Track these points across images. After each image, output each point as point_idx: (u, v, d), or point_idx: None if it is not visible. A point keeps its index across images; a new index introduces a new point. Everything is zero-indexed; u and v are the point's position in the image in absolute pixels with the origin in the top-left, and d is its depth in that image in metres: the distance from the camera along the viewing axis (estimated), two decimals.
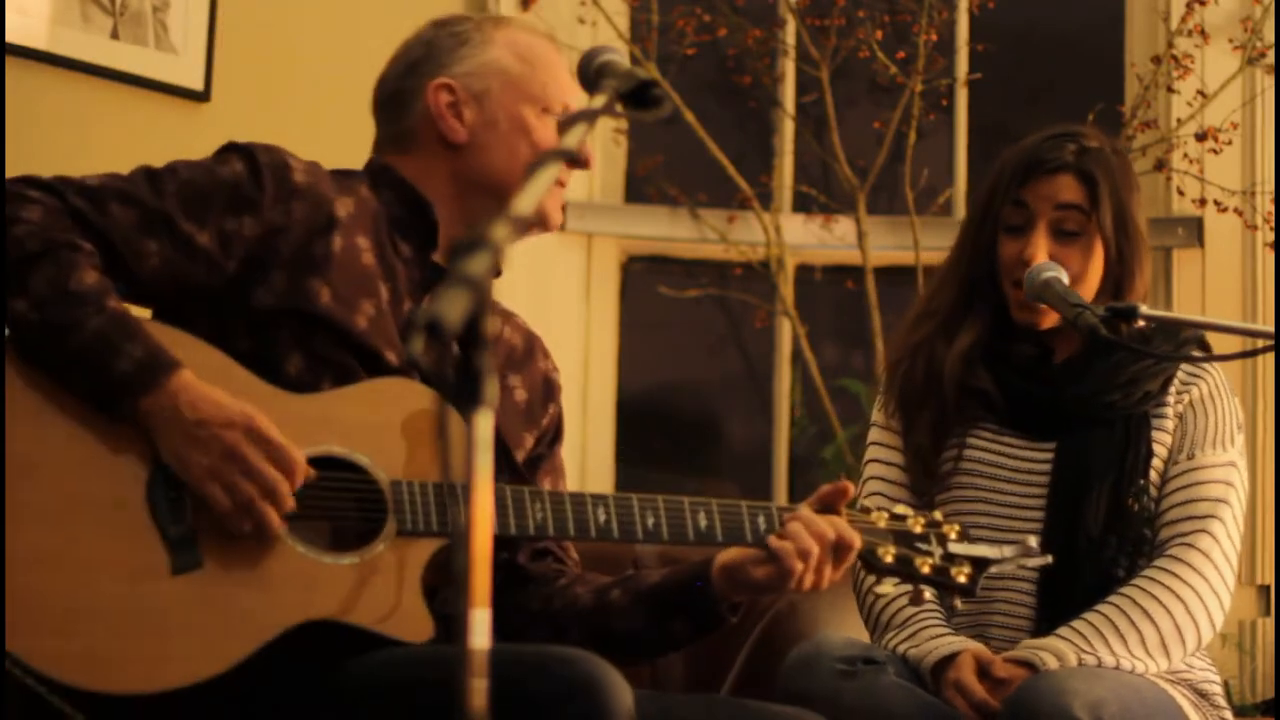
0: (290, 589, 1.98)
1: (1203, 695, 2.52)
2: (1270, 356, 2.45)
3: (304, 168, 2.18)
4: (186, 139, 3.65)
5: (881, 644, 2.52)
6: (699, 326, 4.94)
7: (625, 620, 2.23)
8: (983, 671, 2.42)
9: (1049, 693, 2.28)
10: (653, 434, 4.87)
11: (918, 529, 2.23)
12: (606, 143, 4.74)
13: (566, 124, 1.60)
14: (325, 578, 2.00)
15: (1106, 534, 2.50)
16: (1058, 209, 2.57)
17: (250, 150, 2.17)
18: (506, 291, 4.42)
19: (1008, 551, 2.26)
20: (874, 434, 2.71)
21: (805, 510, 2.16)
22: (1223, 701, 2.56)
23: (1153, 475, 2.55)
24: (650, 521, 2.11)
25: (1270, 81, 4.48)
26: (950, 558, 2.23)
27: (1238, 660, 4.42)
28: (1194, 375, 2.60)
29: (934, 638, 2.47)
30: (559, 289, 4.61)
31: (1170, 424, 2.58)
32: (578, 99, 2.26)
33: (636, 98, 1.76)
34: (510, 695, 1.26)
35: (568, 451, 2.50)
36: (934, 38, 4.54)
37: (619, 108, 1.76)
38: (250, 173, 2.14)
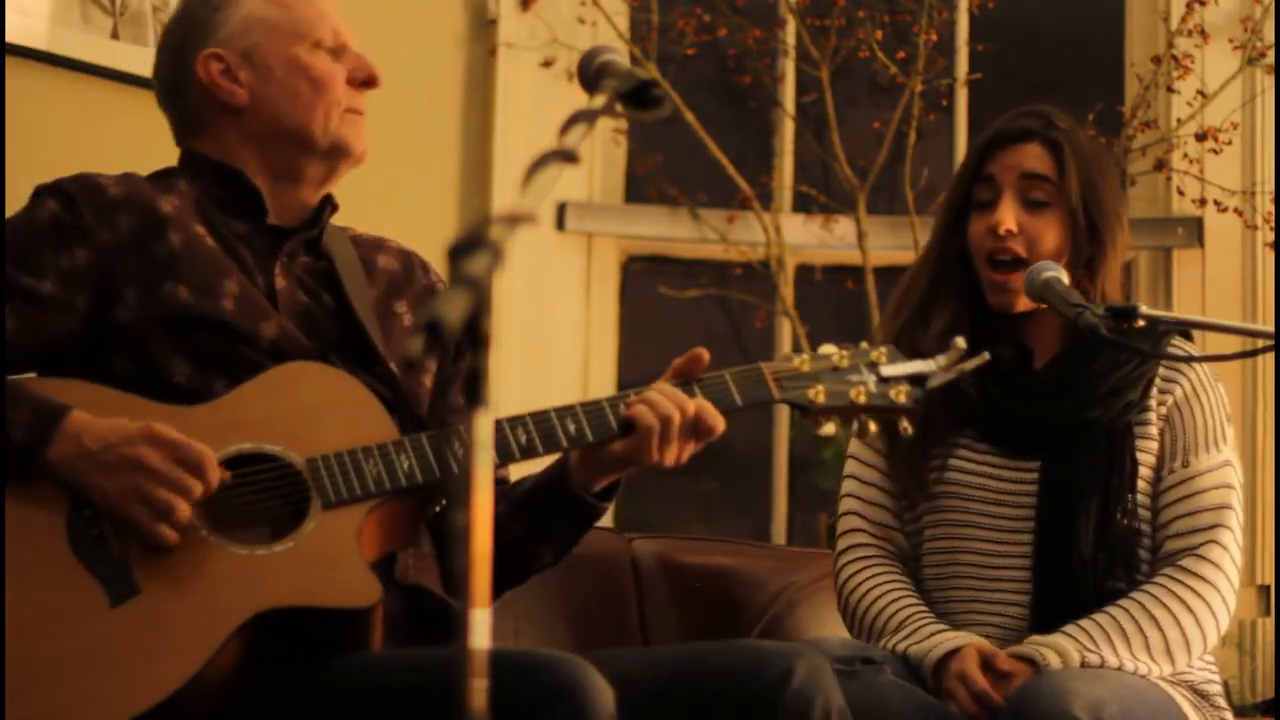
0: (231, 589, 1.97)
1: (1203, 696, 2.52)
2: (1270, 356, 2.44)
3: (116, 181, 2.18)
4: None
5: (879, 647, 2.50)
6: (699, 326, 4.94)
7: (509, 532, 2.21)
8: (986, 665, 2.42)
9: (1049, 693, 2.28)
10: None
11: (844, 362, 2.18)
12: (606, 143, 4.74)
13: (567, 123, 1.59)
14: (263, 569, 1.99)
15: (1098, 553, 2.49)
16: (1024, 178, 2.54)
17: (58, 185, 2.16)
18: (507, 292, 4.42)
19: (941, 360, 2.20)
20: (852, 447, 2.69)
21: (662, 384, 2.13)
22: (1223, 702, 2.56)
23: (1141, 485, 2.53)
24: (523, 438, 2.10)
25: (1270, 81, 4.49)
26: (885, 381, 2.18)
27: (1238, 660, 4.43)
28: (1174, 373, 2.57)
29: (935, 634, 2.46)
30: (559, 289, 4.62)
31: (1155, 429, 2.54)
32: (343, 24, 2.27)
33: (636, 98, 1.76)
34: (492, 699, 1.26)
35: None
36: (934, 38, 4.54)
37: (619, 108, 1.76)
38: (64, 206, 2.13)
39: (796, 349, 2.23)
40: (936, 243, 2.64)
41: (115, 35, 3.59)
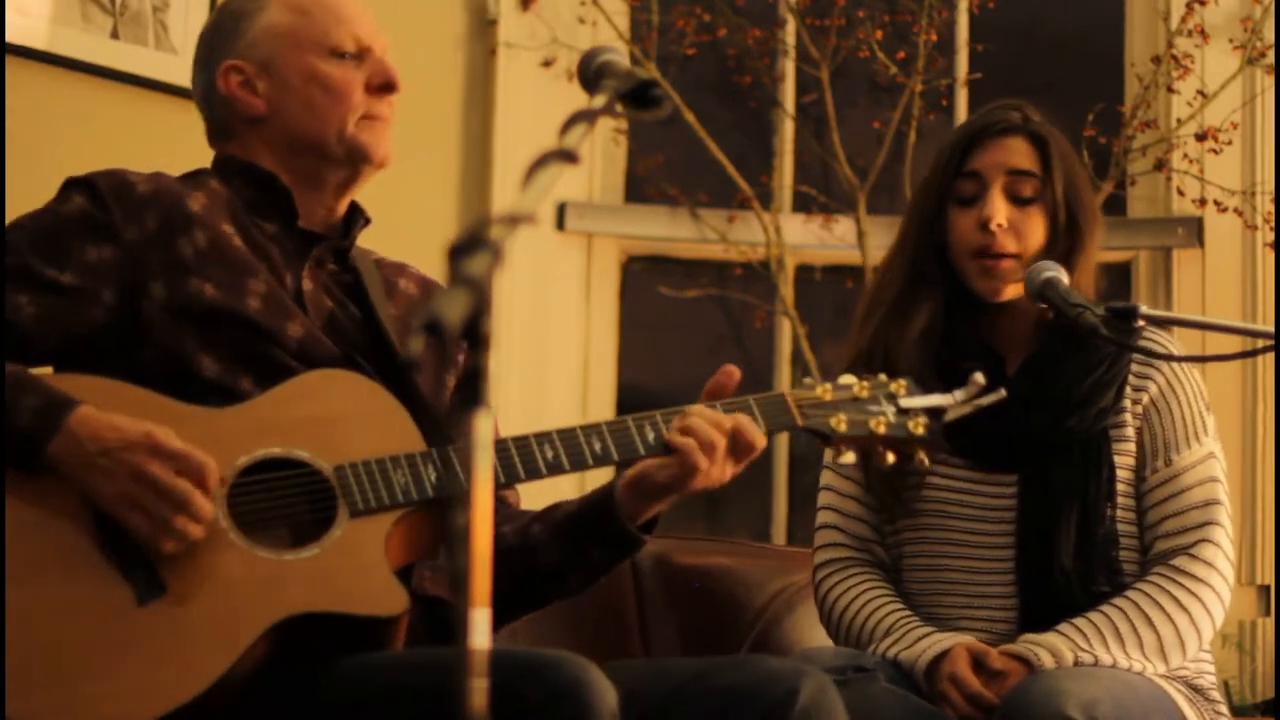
0: (257, 593, 1.97)
1: (1198, 691, 2.52)
2: (1270, 356, 2.43)
3: (146, 179, 2.18)
4: (186, 139, 3.64)
5: (868, 653, 2.50)
6: (699, 326, 4.94)
7: (546, 554, 2.22)
8: (978, 664, 2.41)
9: (1043, 693, 2.27)
10: None
11: (864, 393, 2.21)
12: (606, 143, 4.74)
13: (567, 123, 1.59)
14: (290, 574, 1.99)
15: (1078, 562, 2.48)
16: (1010, 174, 2.53)
17: (88, 180, 2.16)
18: (507, 291, 4.42)
19: (959, 395, 2.23)
20: (828, 462, 2.68)
21: (699, 407, 2.14)
22: (1218, 696, 2.55)
23: (1122, 487, 2.52)
24: (550, 454, 2.11)
25: (1270, 81, 4.49)
26: (903, 412, 2.21)
27: (1238, 660, 4.43)
28: (1147, 369, 2.55)
29: (924, 637, 2.46)
30: (559, 289, 4.62)
31: (1131, 430, 2.53)
32: (367, 29, 2.26)
33: (636, 98, 1.76)
34: (494, 699, 1.26)
35: None
36: (934, 38, 4.54)
37: (619, 108, 1.76)
38: (92, 201, 2.14)
39: (806, 374, 2.23)
40: (910, 240, 2.60)
41: (115, 35, 3.59)
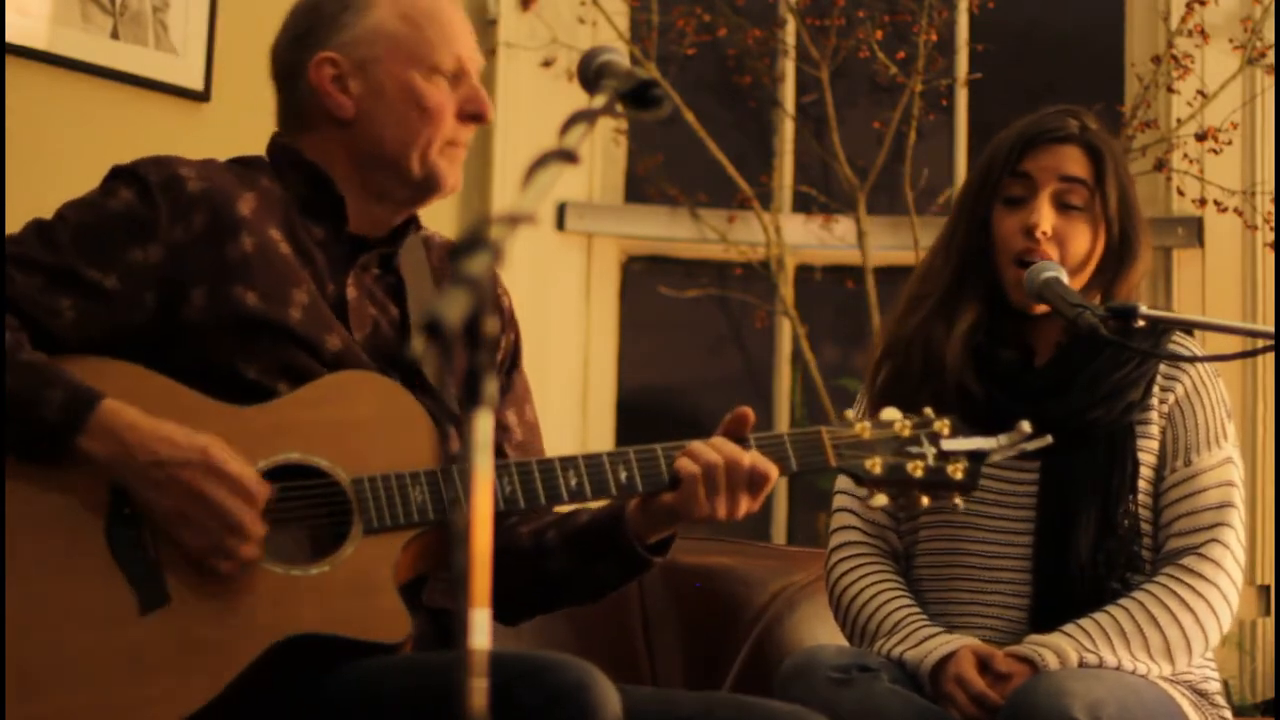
0: (260, 609, 1.96)
1: (1202, 694, 2.52)
2: (1270, 356, 2.44)
3: (198, 173, 2.12)
4: (186, 139, 3.65)
5: (873, 650, 2.50)
6: (699, 326, 4.93)
7: (557, 561, 2.19)
8: (983, 666, 2.41)
9: (1047, 694, 2.27)
10: (652, 434, 4.86)
11: (906, 433, 2.15)
12: (606, 143, 4.74)
13: (567, 123, 1.59)
14: (294, 592, 1.97)
15: (1097, 555, 2.48)
16: (1062, 180, 2.52)
17: (135, 171, 2.11)
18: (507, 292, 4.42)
19: (1003, 440, 2.18)
20: None
21: (716, 439, 2.10)
22: (1222, 700, 2.56)
23: (1142, 484, 2.52)
24: (574, 482, 2.07)
25: (1270, 81, 4.48)
26: (944, 455, 2.15)
27: (1238, 660, 4.42)
28: (1175, 371, 2.55)
29: (930, 637, 2.46)
30: (559, 289, 4.61)
31: (1156, 429, 2.53)
32: (470, 50, 2.20)
33: (636, 98, 1.76)
34: (497, 702, 1.26)
35: (568, 448, 2.48)
36: (934, 38, 4.54)
37: (619, 108, 1.76)
38: (140, 197, 2.09)
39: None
40: (960, 236, 2.59)
41: (115, 35, 3.59)
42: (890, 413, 2.17)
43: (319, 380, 2.07)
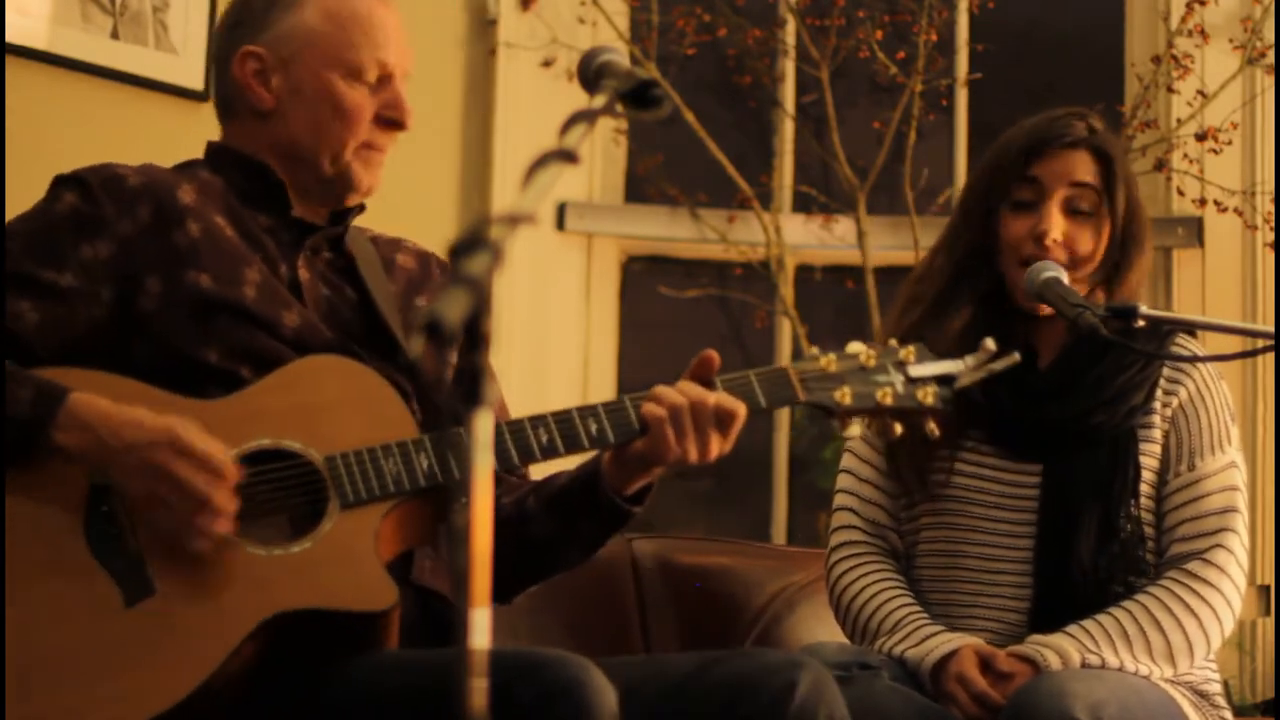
0: (246, 590, 1.96)
1: (1203, 696, 2.51)
2: (1270, 356, 2.44)
3: (136, 171, 2.16)
4: (186, 139, 3.64)
5: (874, 648, 2.50)
6: (699, 326, 4.93)
7: (540, 525, 2.20)
8: (985, 665, 2.41)
9: (1049, 694, 2.27)
10: None
11: (871, 361, 2.16)
12: (606, 143, 4.74)
13: (567, 123, 1.59)
14: (279, 570, 1.98)
15: (1098, 559, 2.48)
16: (1072, 186, 2.51)
17: (77, 176, 2.14)
18: (507, 291, 4.42)
19: (970, 360, 2.18)
20: (850, 444, 2.67)
21: (681, 383, 2.10)
22: (1223, 701, 2.55)
23: (1144, 488, 2.52)
24: (544, 438, 2.08)
25: (1270, 81, 4.49)
26: (913, 381, 2.15)
27: (1238, 660, 4.43)
28: (1179, 374, 2.55)
29: (932, 636, 2.46)
30: (559, 289, 4.61)
31: (1158, 433, 2.53)
32: (397, 55, 2.22)
33: (636, 98, 1.76)
34: (493, 699, 1.26)
35: None
36: (934, 38, 4.54)
37: (619, 108, 1.76)
38: (83, 198, 2.12)
39: (822, 349, 2.20)
40: (960, 237, 2.59)
41: (115, 35, 3.59)
42: (855, 345, 2.18)
43: (284, 367, 2.09)
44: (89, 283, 2.09)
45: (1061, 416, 2.49)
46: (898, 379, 2.16)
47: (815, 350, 2.19)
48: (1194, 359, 2.54)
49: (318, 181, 2.23)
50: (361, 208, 2.30)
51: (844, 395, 2.14)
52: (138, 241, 2.11)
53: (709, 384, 2.11)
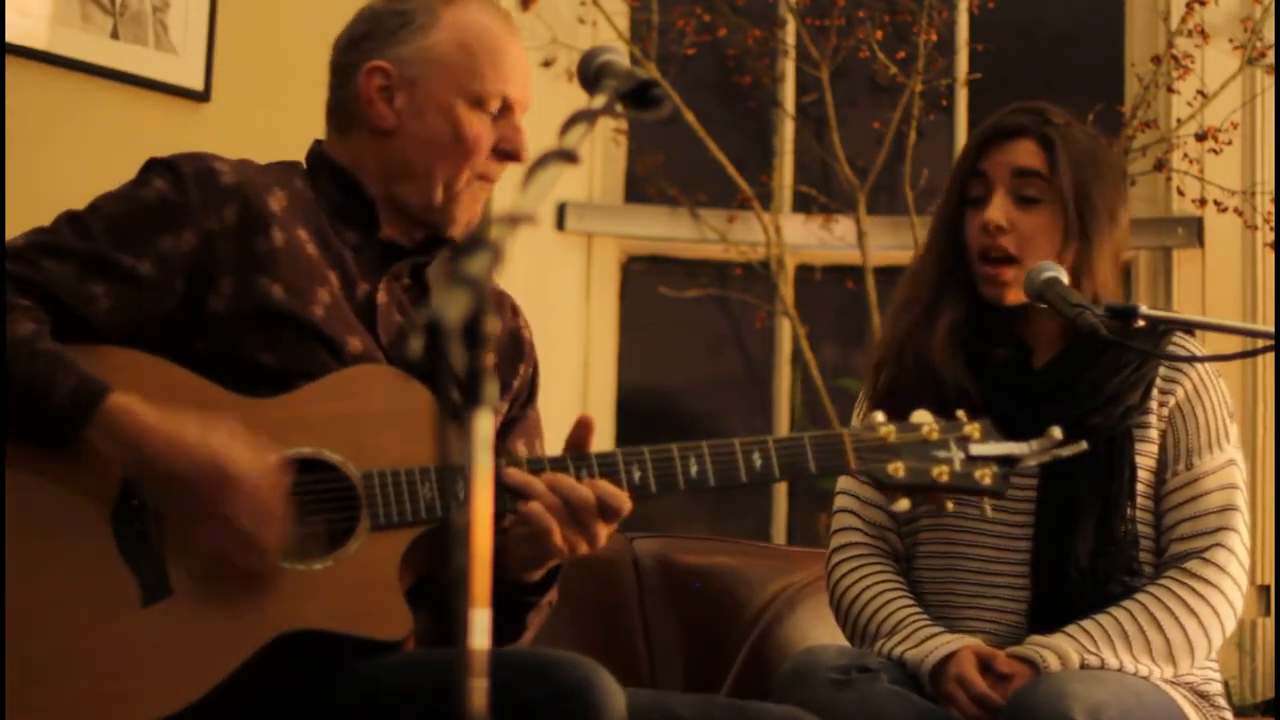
0: (262, 603, 1.95)
1: (1203, 696, 2.51)
2: (1270, 356, 2.43)
3: (231, 168, 2.15)
4: (186, 139, 3.65)
5: (874, 650, 2.50)
6: (699, 326, 4.93)
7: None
8: (985, 666, 2.41)
9: (1048, 696, 2.27)
10: (653, 434, 4.87)
11: (934, 436, 2.10)
12: (606, 143, 4.74)
13: (567, 123, 1.58)
14: (297, 586, 1.97)
15: (1095, 560, 2.48)
16: (1016, 175, 2.54)
17: (171, 163, 2.13)
18: (507, 291, 4.42)
19: (1035, 445, 2.13)
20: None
21: (550, 476, 2.04)
22: (1223, 702, 2.55)
23: (1142, 488, 2.52)
24: (695, 470, 2.06)
25: (1270, 81, 4.48)
26: (972, 460, 2.10)
27: (1238, 660, 4.42)
28: (1175, 374, 2.55)
29: (932, 637, 2.46)
30: (559, 289, 4.62)
31: (1155, 432, 2.53)
32: (520, 90, 2.22)
33: (636, 98, 1.76)
34: (503, 699, 1.26)
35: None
36: (934, 38, 4.54)
37: (619, 108, 1.76)
38: (174, 186, 2.10)
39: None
40: (936, 241, 2.63)
41: (115, 35, 3.58)
42: (920, 415, 2.13)
43: (333, 374, 2.08)
44: (165, 273, 2.08)
45: (1058, 419, 2.49)
46: (957, 456, 2.11)
47: (880, 417, 2.13)
48: (1191, 359, 2.53)
49: (424, 207, 2.21)
50: (453, 241, 2.27)
51: (897, 469, 2.09)
52: (220, 240, 2.09)
53: (583, 457, 2.06)
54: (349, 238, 2.20)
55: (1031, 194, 2.54)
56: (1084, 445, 2.20)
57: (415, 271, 2.25)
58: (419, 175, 2.20)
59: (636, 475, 2.06)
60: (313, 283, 2.12)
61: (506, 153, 2.21)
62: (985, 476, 2.10)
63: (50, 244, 2.06)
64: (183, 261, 2.08)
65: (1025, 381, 2.55)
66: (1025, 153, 2.55)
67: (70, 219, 2.10)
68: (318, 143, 2.28)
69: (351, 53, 2.24)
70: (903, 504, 2.12)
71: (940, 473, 2.10)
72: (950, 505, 2.16)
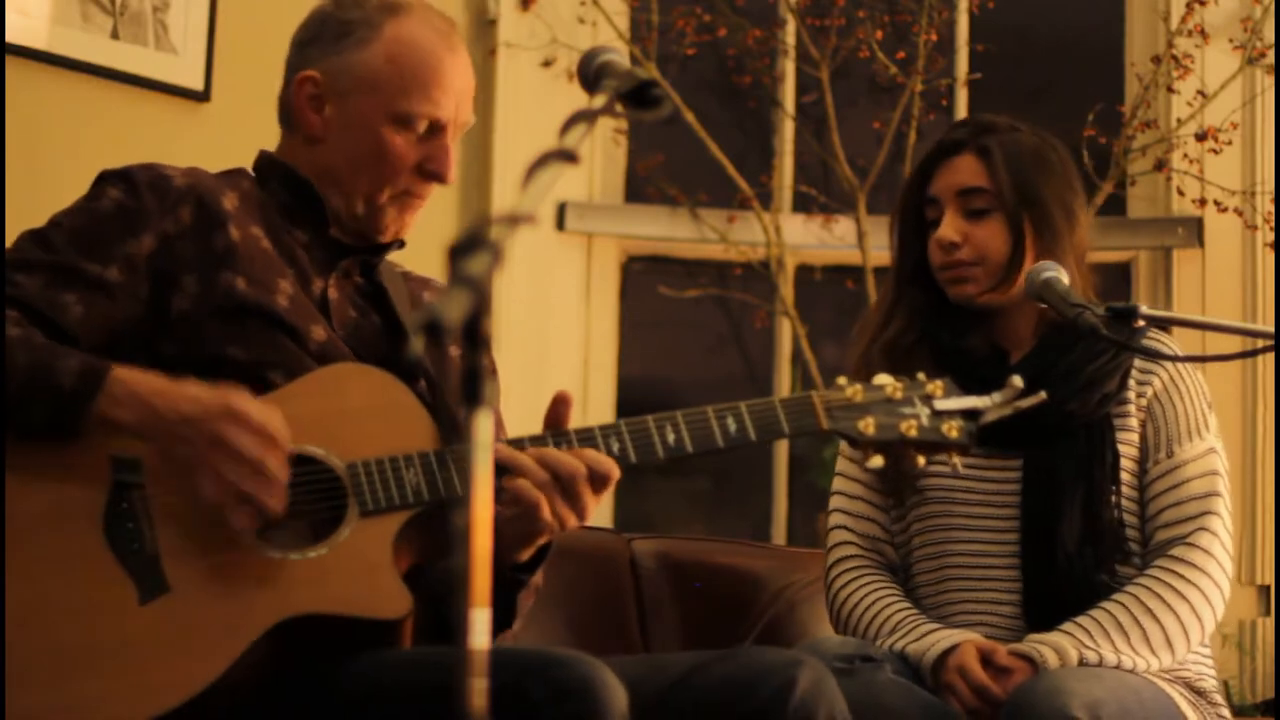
0: (260, 593, 1.97)
1: (1199, 693, 2.53)
2: (1270, 356, 2.44)
3: (181, 173, 2.18)
4: (186, 139, 3.65)
5: (876, 646, 2.51)
6: (699, 326, 4.94)
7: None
8: (985, 660, 2.42)
9: (1047, 693, 2.28)
10: None
11: (898, 394, 2.16)
12: (606, 143, 4.74)
13: (567, 123, 1.59)
14: (294, 574, 1.98)
15: (1084, 546, 2.49)
16: (961, 194, 2.58)
17: (123, 173, 2.16)
18: (507, 292, 4.42)
19: (997, 397, 2.18)
20: (838, 464, 2.72)
21: (535, 450, 2.05)
22: (1220, 698, 2.57)
23: (1124, 476, 2.54)
24: (672, 438, 2.09)
25: (1270, 81, 4.49)
26: (938, 415, 2.15)
27: (1238, 660, 4.43)
28: (1150, 366, 2.58)
29: (932, 632, 2.47)
30: (559, 289, 4.62)
31: (1134, 421, 2.56)
32: (452, 110, 2.23)
33: (636, 98, 1.76)
34: (505, 697, 1.26)
35: None
36: (934, 38, 4.54)
37: (619, 108, 1.76)
38: (128, 193, 2.13)
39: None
40: (897, 256, 2.67)
41: (115, 35, 3.59)
42: (882, 377, 2.18)
43: (311, 374, 2.10)
44: (132, 278, 2.10)
45: (1035, 409, 2.51)
46: (923, 412, 2.16)
47: (843, 380, 2.18)
48: (1174, 357, 2.55)
49: (347, 216, 2.25)
50: (401, 243, 2.30)
51: (868, 426, 2.14)
52: (178, 241, 2.12)
53: (562, 433, 2.08)
54: (299, 236, 2.23)
55: (979, 206, 2.59)
56: (1044, 396, 2.23)
57: (365, 270, 2.28)
58: (342, 185, 2.23)
59: (615, 447, 2.08)
60: (273, 274, 2.15)
61: (431, 173, 2.23)
62: (952, 430, 2.15)
63: (16, 260, 2.09)
64: (145, 265, 2.11)
65: (1001, 376, 2.55)
66: (966, 170, 2.59)
67: (32, 236, 2.12)
68: (263, 152, 2.31)
69: (296, 55, 2.28)
70: (876, 460, 2.15)
71: (909, 427, 2.14)
72: (922, 461, 2.19)
